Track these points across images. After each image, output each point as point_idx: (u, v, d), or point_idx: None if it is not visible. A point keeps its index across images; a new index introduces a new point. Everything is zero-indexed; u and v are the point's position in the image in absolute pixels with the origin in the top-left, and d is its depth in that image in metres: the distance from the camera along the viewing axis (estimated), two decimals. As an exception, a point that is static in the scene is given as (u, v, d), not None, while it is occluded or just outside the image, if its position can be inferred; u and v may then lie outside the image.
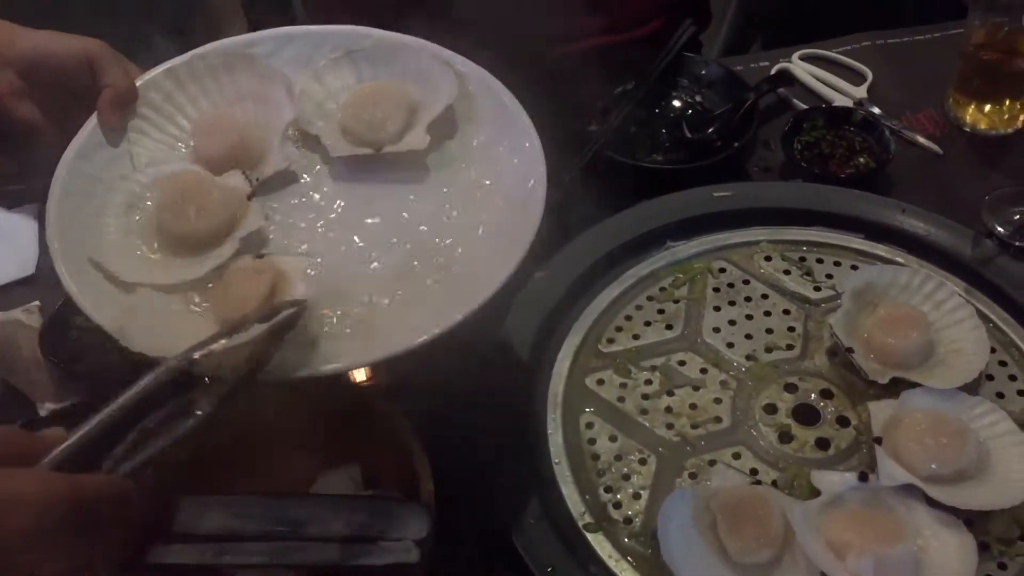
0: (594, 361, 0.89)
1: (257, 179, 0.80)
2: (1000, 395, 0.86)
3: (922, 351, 0.87)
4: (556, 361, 0.89)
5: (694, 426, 0.84)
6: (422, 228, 0.78)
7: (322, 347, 0.69)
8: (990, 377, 0.87)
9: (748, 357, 0.89)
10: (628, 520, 0.79)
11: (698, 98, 1.15)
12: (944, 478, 0.78)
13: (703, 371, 0.88)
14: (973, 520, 0.76)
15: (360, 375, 0.81)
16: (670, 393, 0.86)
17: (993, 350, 0.88)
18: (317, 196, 0.81)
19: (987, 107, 1.10)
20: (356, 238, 0.78)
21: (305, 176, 0.82)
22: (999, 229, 1.00)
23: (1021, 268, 0.93)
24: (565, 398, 0.86)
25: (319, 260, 0.76)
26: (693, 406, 0.85)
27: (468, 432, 0.83)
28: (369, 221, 0.79)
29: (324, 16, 1.25)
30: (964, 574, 0.72)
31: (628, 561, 0.76)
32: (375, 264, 0.76)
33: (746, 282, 0.95)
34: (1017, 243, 0.99)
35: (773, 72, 1.18)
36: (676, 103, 1.15)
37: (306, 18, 1.48)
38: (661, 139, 1.12)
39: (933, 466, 0.78)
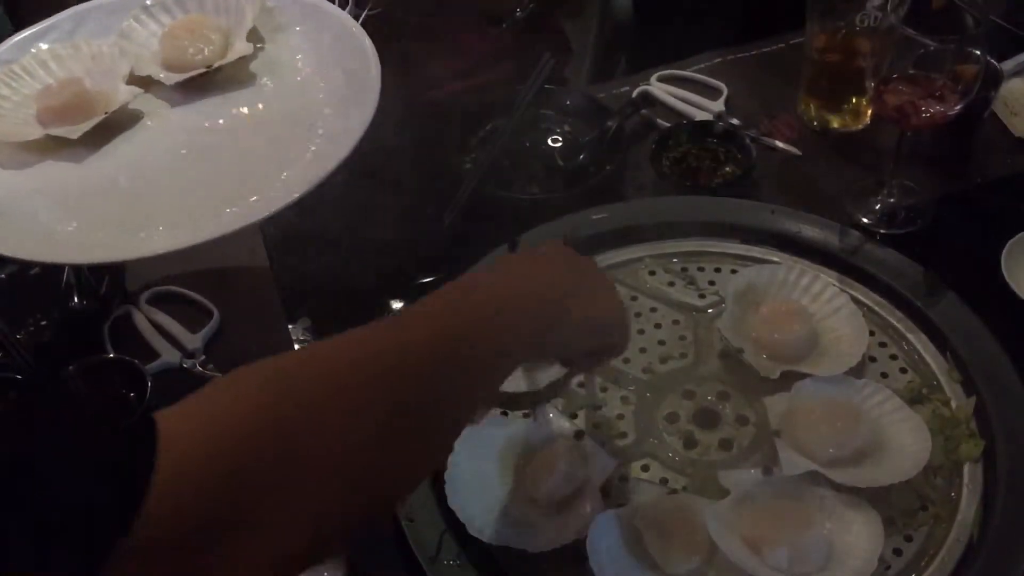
0: (495, 396, 0.89)
1: (106, 112, 0.94)
2: (884, 375, 0.90)
3: (807, 342, 0.90)
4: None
5: (600, 444, 0.84)
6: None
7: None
8: (873, 359, 0.91)
9: (645, 370, 0.90)
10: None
11: (566, 127, 1.17)
12: (843, 460, 0.80)
13: (603, 389, 0.89)
14: (876, 498, 0.78)
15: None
16: (573, 416, 0.87)
17: (872, 333, 0.92)
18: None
19: (836, 107, 1.16)
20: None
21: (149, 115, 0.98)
22: (863, 220, 1.05)
23: (887, 253, 0.98)
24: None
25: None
26: (597, 425, 0.86)
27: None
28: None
29: None
30: (874, 550, 0.74)
31: (553, 588, 0.76)
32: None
33: (634, 298, 0.97)
34: (881, 231, 1.04)
35: (634, 95, 1.22)
36: (546, 135, 1.17)
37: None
38: (535, 171, 1.13)
39: (831, 450, 0.80)
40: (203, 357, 0.94)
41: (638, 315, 0.95)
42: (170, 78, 0.98)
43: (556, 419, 0.84)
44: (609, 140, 1.13)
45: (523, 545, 0.76)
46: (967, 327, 0.90)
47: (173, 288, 1.01)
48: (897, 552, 0.77)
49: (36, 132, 0.93)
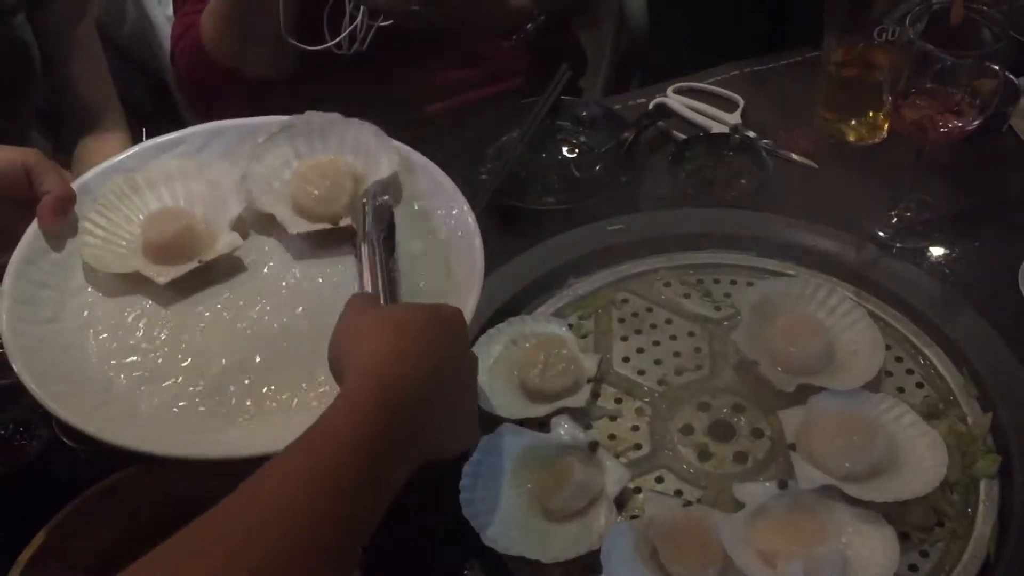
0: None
1: (201, 260, 0.83)
2: (900, 389, 0.89)
3: (823, 356, 0.90)
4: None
5: (615, 455, 0.84)
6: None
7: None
8: (889, 373, 0.90)
9: (660, 382, 0.90)
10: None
11: (583, 138, 1.17)
12: (859, 475, 0.80)
13: (618, 401, 0.89)
14: (891, 513, 0.78)
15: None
16: (588, 427, 0.87)
17: (888, 347, 0.91)
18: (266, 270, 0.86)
19: (853, 120, 1.16)
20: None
21: (258, 258, 0.87)
22: (879, 233, 1.05)
23: (904, 267, 0.98)
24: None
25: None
26: (612, 436, 0.86)
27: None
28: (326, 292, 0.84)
29: (203, 104, 1.27)
30: (889, 566, 0.74)
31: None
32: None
33: (649, 310, 0.97)
34: (898, 244, 1.04)
35: (651, 107, 1.22)
36: (562, 146, 1.17)
37: (186, 103, 1.47)
38: (552, 181, 1.14)
39: (847, 464, 0.80)
40: (220, 364, 0.94)
41: (653, 327, 0.95)
42: (294, 224, 0.86)
43: (571, 430, 0.84)
44: (625, 151, 1.13)
45: (536, 555, 0.76)
46: (984, 342, 0.90)
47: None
48: (913, 568, 0.77)
49: (127, 265, 0.84)
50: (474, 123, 1.17)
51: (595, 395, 0.89)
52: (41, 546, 0.70)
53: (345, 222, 0.86)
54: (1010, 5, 1.09)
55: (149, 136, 0.93)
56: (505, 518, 0.79)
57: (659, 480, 0.83)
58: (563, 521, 0.79)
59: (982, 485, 0.81)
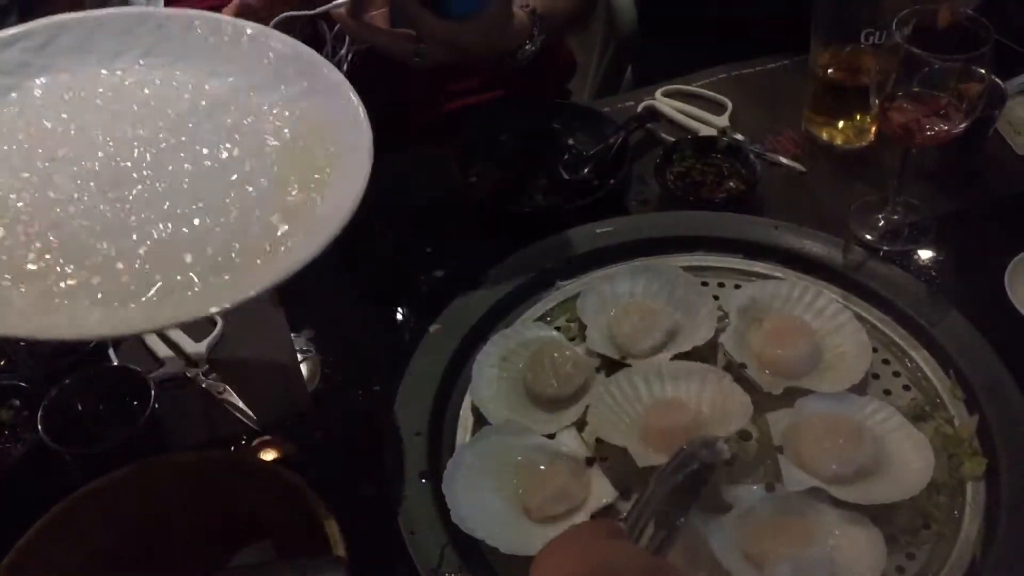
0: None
1: None
2: (887, 392, 0.90)
3: (810, 359, 0.90)
4: (459, 418, 0.89)
5: (602, 459, 0.84)
6: None
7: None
8: (876, 376, 0.91)
9: (648, 384, 0.90)
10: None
11: (571, 141, 1.17)
12: (846, 477, 0.80)
13: (606, 404, 0.89)
14: (878, 515, 0.78)
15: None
16: (580, 428, 0.86)
17: (875, 350, 0.92)
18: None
19: (840, 124, 1.16)
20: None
21: None
22: (866, 236, 1.05)
23: (891, 270, 0.98)
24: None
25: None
26: (599, 440, 0.86)
27: (375, 494, 0.83)
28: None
29: None
30: (876, 568, 0.74)
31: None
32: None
33: (637, 312, 0.97)
34: (885, 247, 1.04)
35: (639, 110, 1.22)
36: (550, 148, 1.17)
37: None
38: (540, 184, 1.14)
39: (834, 467, 0.80)
40: (207, 366, 0.94)
41: (641, 329, 0.95)
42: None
43: (574, 442, 0.85)
44: (614, 154, 1.13)
45: (497, 543, 0.76)
46: (970, 345, 0.90)
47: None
48: (899, 570, 0.77)
49: None
50: (464, 127, 1.16)
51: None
52: (24, 550, 0.70)
53: (631, 360, 0.90)
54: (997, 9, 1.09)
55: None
56: (481, 504, 0.79)
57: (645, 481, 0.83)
58: (541, 522, 0.79)
59: (968, 487, 0.82)
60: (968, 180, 1.12)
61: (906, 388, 0.90)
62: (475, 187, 1.11)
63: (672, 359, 0.89)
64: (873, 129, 1.16)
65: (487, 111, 1.19)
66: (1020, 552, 0.76)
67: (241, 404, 0.91)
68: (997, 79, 1.05)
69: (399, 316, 1.00)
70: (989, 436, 0.84)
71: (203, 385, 0.93)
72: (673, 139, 1.17)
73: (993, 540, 0.77)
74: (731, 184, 1.11)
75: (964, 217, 1.08)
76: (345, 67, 0.95)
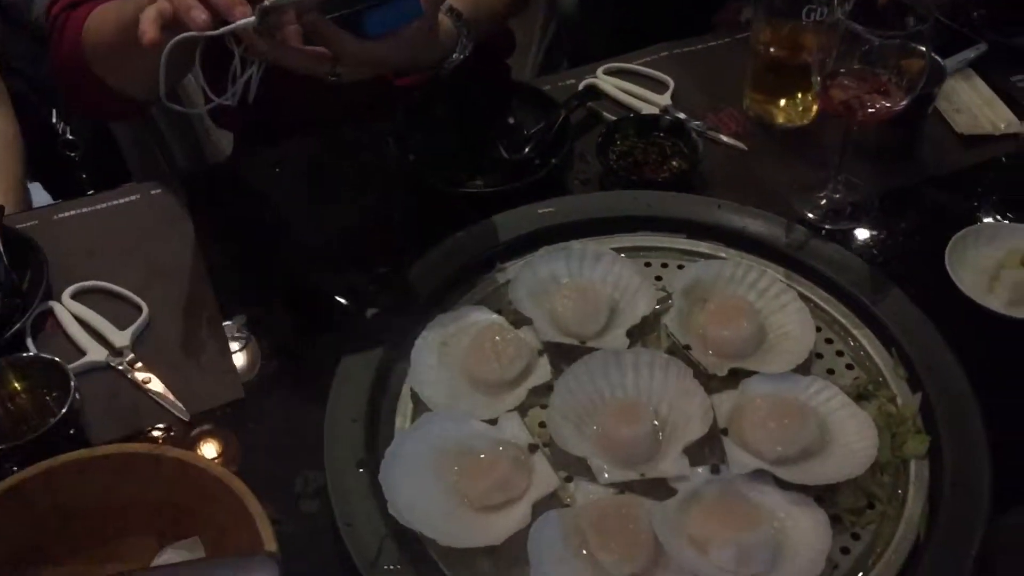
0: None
1: None
2: (831, 371, 0.89)
3: (754, 339, 0.89)
4: (398, 404, 0.86)
5: (545, 444, 0.82)
6: None
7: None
8: (819, 356, 0.90)
9: (591, 367, 0.88)
10: (491, 551, 0.76)
11: (511, 120, 1.15)
12: (790, 458, 0.79)
13: (549, 388, 0.86)
14: (823, 496, 0.78)
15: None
16: (523, 413, 0.84)
17: (819, 329, 0.91)
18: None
19: (781, 102, 1.15)
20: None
21: None
22: (808, 215, 1.05)
23: (833, 249, 0.97)
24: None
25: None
26: (542, 424, 0.84)
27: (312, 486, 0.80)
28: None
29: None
30: (821, 549, 0.73)
31: (501, 593, 0.74)
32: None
33: (580, 294, 0.95)
34: (827, 226, 1.04)
35: (581, 88, 1.20)
36: (491, 127, 1.14)
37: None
38: (480, 164, 1.11)
39: (779, 448, 0.79)
40: (132, 355, 0.90)
41: (584, 311, 0.93)
42: (546, 334, 0.89)
43: (516, 428, 0.82)
44: (555, 133, 1.11)
45: (434, 535, 0.74)
46: (912, 323, 0.90)
47: (99, 283, 0.96)
48: (844, 551, 0.76)
49: None
50: (401, 106, 1.13)
51: (555, 366, 0.87)
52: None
53: (590, 343, 0.88)
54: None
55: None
56: (420, 494, 0.77)
57: (589, 468, 0.81)
58: (482, 512, 0.77)
59: (912, 466, 0.81)
60: (909, 159, 1.12)
61: (849, 367, 0.89)
62: (413, 166, 1.08)
63: (627, 336, 0.88)
64: (815, 107, 1.15)
65: (426, 89, 1.16)
66: (963, 529, 0.75)
67: (169, 395, 0.87)
68: (937, 57, 1.04)
69: (336, 300, 0.97)
70: (932, 414, 0.83)
71: (128, 375, 0.89)
72: (615, 118, 1.15)
73: (937, 518, 0.77)
74: (674, 163, 1.09)
75: (905, 195, 1.08)
76: (253, 91, 0.86)
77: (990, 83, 1.19)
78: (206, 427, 0.86)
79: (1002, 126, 1.14)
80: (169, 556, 0.71)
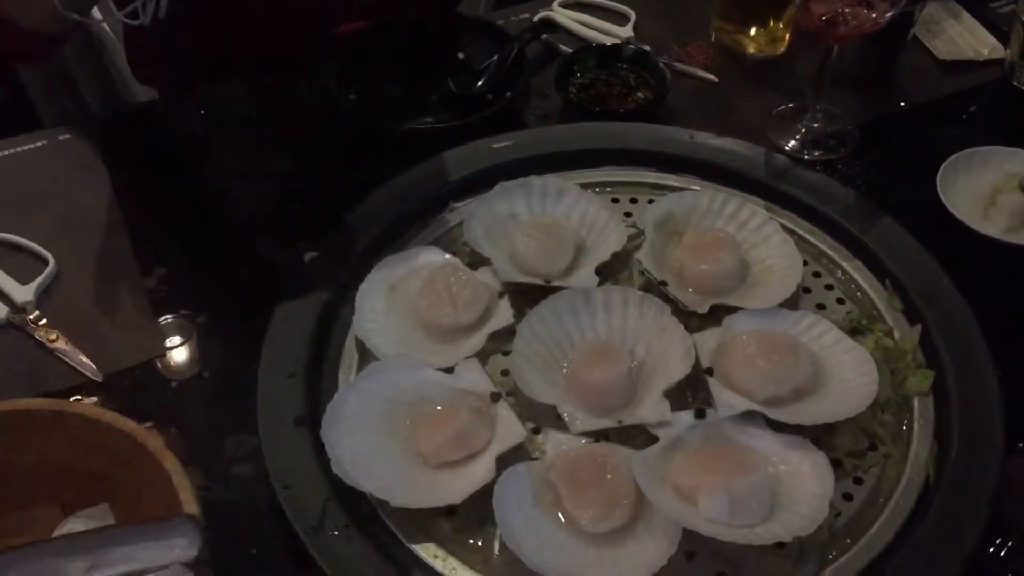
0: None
1: None
2: (821, 306, 0.81)
3: (736, 273, 0.81)
4: (342, 356, 0.77)
5: (509, 393, 0.73)
6: None
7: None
8: (807, 290, 0.82)
9: (557, 309, 0.79)
10: (451, 512, 0.67)
11: (461, 55, 1.05)
12: (783, 398, 0.71)
13: (512, 332, 0.77)
14: (819, 438, 0.70)
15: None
16: (483, 360, 0.75)
17: (805, 262, 0.83)
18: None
19: (752, 31, 1.07)
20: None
21: None
22: (786, 147, 0.97)
23: (818, 177, 0.89)
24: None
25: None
26: (506, 372, 0.75)
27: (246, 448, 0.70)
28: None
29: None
30: (823, 495, 0.65)
31: (457, 558, 0.65)
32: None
33: (542, 233, 0.85)
34: (806, 156, 0.96)
35: (535, 21, 1.11)
36: (439, 64, 1.05)
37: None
38: (429, 102, 1.02)
39: (770, 388, 0.71)
40: (36, 312, 0.79)
41: (548, 251, 0.84)
42: (507, 274, 0.80)
43: (475, 375, 0.73)
44: (509, 67, 1.02)
45: (387, 496, 0.65)
46: (906, 252, 0.82)
47: (1, 235, 0.85)
48: (847, 497, 0.68)
49: None
50: (344, 47, 1.03)
51: (517, 309, 0.78)
52: None
53: (556, 283, 0.79)
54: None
55: None
56: (368, 451, 0.67)
57: (559, 416, 0.72)
58: (438, 469, 0.68)
59: (915, 403, 0.74)
60: (888, 86, 1.05)
61: (840, 301, 0.81)
62: (355, 106, 0.98)
63: (596, 274, 0.80)
64: (786, 36, 1.08)
65: (369, 29, 1.06)
66: (976, 468, 0.68)
67: (79, 354, 0.77)
68: (919, -27, 0.97)
69: (269, 245, 0.87)
70: (933, 347, 0.76)
71: (32, 334, 0.78)
72: (572, 50, 1.06)
73: (946, 459, 0.69)
74: (640, 94, 1.00)
75: (887, 124, 1.00)
76: (164, 8, 0.75)
77: (969, 10, 1.13)
78: (121, 386, 0.75)
79: (985, 52, 1.07)
80: (72, 526, 0.61)
